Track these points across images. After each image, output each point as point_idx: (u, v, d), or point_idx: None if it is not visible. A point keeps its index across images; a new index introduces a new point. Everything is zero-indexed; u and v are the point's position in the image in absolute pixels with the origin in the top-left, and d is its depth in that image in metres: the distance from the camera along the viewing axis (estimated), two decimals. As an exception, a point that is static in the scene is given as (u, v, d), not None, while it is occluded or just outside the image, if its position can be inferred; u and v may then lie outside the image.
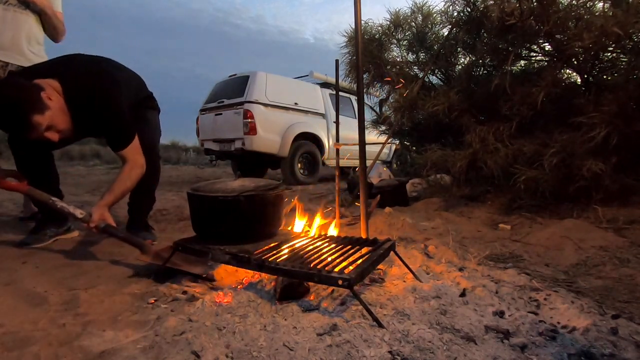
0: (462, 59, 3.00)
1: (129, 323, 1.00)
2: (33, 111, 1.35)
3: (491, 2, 2.25)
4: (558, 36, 2.15)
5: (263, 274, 1.22)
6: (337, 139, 1.84)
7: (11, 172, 1.61)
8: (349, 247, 1.25)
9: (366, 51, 3.07)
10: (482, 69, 2.77)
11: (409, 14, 3.15)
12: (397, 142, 4.10)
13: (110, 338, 0.92)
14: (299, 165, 5.65)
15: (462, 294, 1.09)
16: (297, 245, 1.28)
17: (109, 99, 1.54)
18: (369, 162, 1.93)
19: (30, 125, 1.36)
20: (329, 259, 1.12)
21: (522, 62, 2.61)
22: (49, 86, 1.44)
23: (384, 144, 3.01)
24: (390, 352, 0.79)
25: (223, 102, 5.47)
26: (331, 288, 1.12)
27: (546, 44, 2.31)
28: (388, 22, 3.18)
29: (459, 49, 2.90)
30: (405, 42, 3.24)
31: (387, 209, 2.45)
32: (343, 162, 2.23)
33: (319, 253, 1.18)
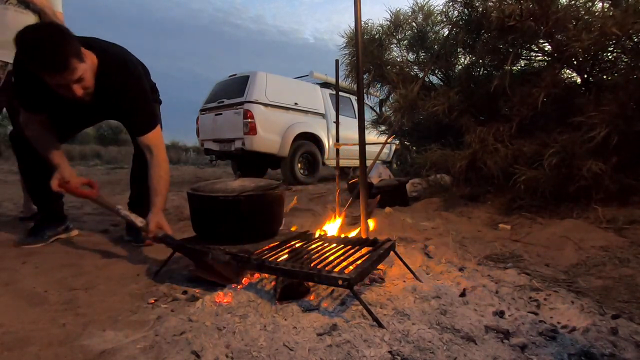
0: (462, 59, 3.00)
1: (129, 323, 1.00)
2: (74, 54, 1.32)
3: (490, 3, 2.25)
4: (558, 36, 2.15)
5: (263, 274, 1.22)
6: (337, 139, 1.84)
7: (85, 180, 1.58)
8: (349, 247, 1.25)
9: (366, 51, 3.07)
10: (482, 69, 2.77)
11: (410, 13, 3.15)
12: (397, 142, 4.10)
13: (110, 338, 0.92)
14: (299, 165, 5.65)
15: (462, 294, 1.09)
16: (297, 245, 1.28)
17: (139, 78, 1.54)
18: (369, 162, 1.93)
19: (67, 66, 1.30)
20: (329, 259, 1.12)
21: (522, 63, 2.61)
22: (84, 49, 1.42)
23: (384, 144, 3.01)
24: (390, 352, 0.79)
25: (223, 102, 5.47)
26: (331, 288, 1.12)
27: (546, 44, 2.31)
28: (388, 22, 3.18)
29: (459, 49, 2.90)
30: (405, 42, 3.24)
31: (387, 209, 2.45)
32: (343, 162, 2.22)
33: (319, 253, 1.18)
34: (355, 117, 5.88)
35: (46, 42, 1.28)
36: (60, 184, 1.49)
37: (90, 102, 1.47)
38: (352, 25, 3.10)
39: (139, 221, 1.47)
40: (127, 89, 1.51)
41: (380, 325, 0.89)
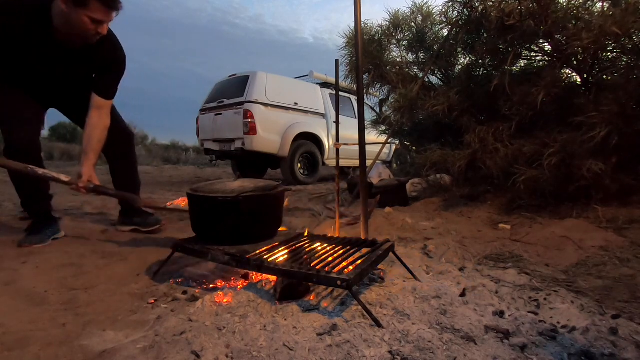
0: (462, 59, 3.00)
1: (129, 323, 1.00)
2: None
3: (490, 2, 2.24)
4: (557, 36, 2.15)
5: (263, 274, 1.22)
6: (337, 139, 1.84)
7: None
8: (348, 247, 1.25)
9: (366, 52, 3.07)
10: (481, 69, 2.76)
11: (409, 14, 3.15)
12: (397, 142, 4.10)
13: (110, 338, 0.92)
14: (299, 165, 5.65)
15: (462, 294, 1.09)
16: (296, 246, 1.28)
17: (124, 62, 1.76)
18: (369, 162, 1.93)
19: (118, 10, 1.51)
20: (329, 259, 1.12)
21: (522, 62, 2.60)
22: None
23: (384, 144, 3.01)
24: (390, 352, 0.79)
25: (223, 102, 5.47)
26: (331, 288, 1.12)
27: (546, 44, 2.31)
28: (388, 23, 3.18)
29: (458, 49, 2.90)
30: (405, 43, 3.24)
31: (387, 209, 2.45)
32: (343, 162, 2.23)
33: (318, 254, 1.18)
34: (355, 117, 5.89)
35: None
36: None
37: (79, 49, 1.60)
38: (352, 25, 3.11)
39: (63, 177, 1.52)
40: (116, 59, 1.72)
41: (379, 326, 0.89)
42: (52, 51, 1.57)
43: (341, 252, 1.20)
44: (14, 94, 1.66)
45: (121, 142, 1.97)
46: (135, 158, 2.11)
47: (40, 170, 1.54)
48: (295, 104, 5.68)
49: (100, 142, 1.71)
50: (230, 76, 5.79)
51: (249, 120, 5.02)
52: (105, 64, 1.70)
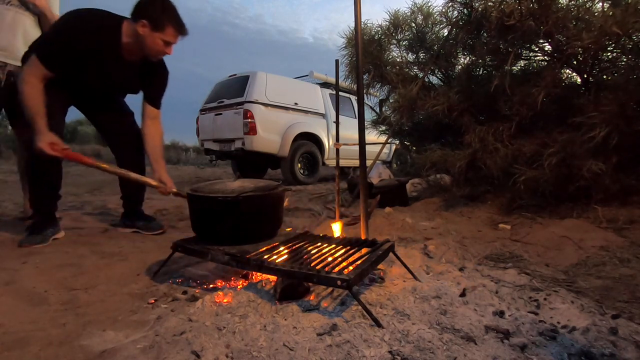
0: (462, 59, 3.00)
1: (129, 323, 1.00)
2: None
3: (490, 2, 2.24)
4: (558, 36, 2.15)
5: (263, 274, 1.22)
6: (337, 139, 1.84)
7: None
8: (348, 247, 1.25)
9: (366, 52, 3.07)
10: (481, 69, 2.76)
11: (409, 14, 3.15)
12: (397, 142, 4.10)
13: (110, 338, 0.92)
14: (299, 165, 5.65)
15: (462, 294, 1.09)
16: (296, 246, 1.28)
17: (168, 70, 1.97)
18: (369, 162, 1.93)
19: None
20: (328, 259, 1.12)
21: (522, 62, 2.60)
22: None
23: (384, 144, 3.01)
24: (390, 352, 0.79)
25: (223, 102, 5.48)
26: (331, 288, 1.12)
27: (546, 44, 2.31)
28: (388, 23, 3.18)
29: (458, 49, 2.90)
30: (405, 43, 3.24)
31: (387, 209, 2.45)
32: (343, 162, 2.23)
33: (318, 254, 1.18)
34: (355, 117, 5.89)
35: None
36: (52, 146, 1.56)
37: (137, 64, 1.80)
38: (352, 25, 3.11)
39: (152, 180, 1.74)
40: (164, 73, 1.95)
41: (379, 326, 0.89)
42: (114, 65, 1.75)
43: (341, 252, 1.20)
44: (58, 98, 1.76)
45: (136, 151, 2.05)
46: (144, 166, 2.12)
47: (135, 175, 1.75)
48: (295, 104, 5.68)
49: (162, 148, 1.97)
50: (230, 76, 5.80)
51: (249, 120, 5.02)
52: (156, 77, 1.91)
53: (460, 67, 3.00)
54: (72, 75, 1.71)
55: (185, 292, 1.20)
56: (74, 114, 2.06)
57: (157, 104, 1.93)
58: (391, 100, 3.36)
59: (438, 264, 1.41)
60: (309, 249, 1.25)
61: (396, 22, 3.15)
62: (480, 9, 2.40)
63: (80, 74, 1.73)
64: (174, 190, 1.78)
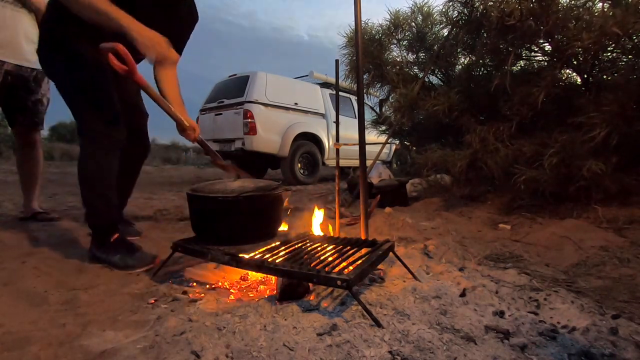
0: (462, 59, 3.00)
1: (129, 323, 1.00)
2: None
3: (490, 2, 2.24)
4: (558, 36, 2.15)
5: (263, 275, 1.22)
6: (337, 139, 1.84)
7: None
8: (348, 247, 1.25)
9: (366, 51, 3.07)
10: (482, 69, 2.76)
11: (409, 14, 3.15)
12: (397, 142, 4.10)
13: (110, 338, 0.92)
14: (299, 165, 5.66)
15: (462, 294, 1.09)
16: (296, 246, 1.28)
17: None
18: (369, 162, 1.93)
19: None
20: (329, 259, 1.12)
21: (522, 62, 2.60)
22: None
23: (384, 144, 3.01)
24: (390, 352, 0.79)
25: (223, 102, 5.48)
26: (331, 288, 1.12)
27: (546, 44, 2.31)
28: (388, 22, 3.18)
29: (458, 49, 2.90)
30: (405, 43, 3.24)
31: (387, 209, 2.45)
32: (343, 162, 2.23)
33: (319, 254, 1.18)
34: (355, 117, 5.89)
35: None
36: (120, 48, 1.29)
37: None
38: (351, 24, 3.11)
39: (184, 120, 1.56)
40: (194, 18, 1.82)
41: (379, 326, 0.89)
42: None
43: (341, 252, 1.20)
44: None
45: (139, 159, 1.92)
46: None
47: (172, 110, 1.54)
48: (295, 104, 5.68)
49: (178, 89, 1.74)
50: (230, 76, 5.81)
51: (249, 120, 5.02)
52: (182, 21, 1.74)
53: (460, 67, 3.00)
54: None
55: (185, 292, 1.20)
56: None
57: (181, 48, 1.75)
58: (391, 100, 3.36)
59: (438, 264, 1.41)
60: (309, 249, 1.25)
61: (396, 22, 3.15)
62: (480, 9, 2.40)
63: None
64: (199, 137, 1.63)
